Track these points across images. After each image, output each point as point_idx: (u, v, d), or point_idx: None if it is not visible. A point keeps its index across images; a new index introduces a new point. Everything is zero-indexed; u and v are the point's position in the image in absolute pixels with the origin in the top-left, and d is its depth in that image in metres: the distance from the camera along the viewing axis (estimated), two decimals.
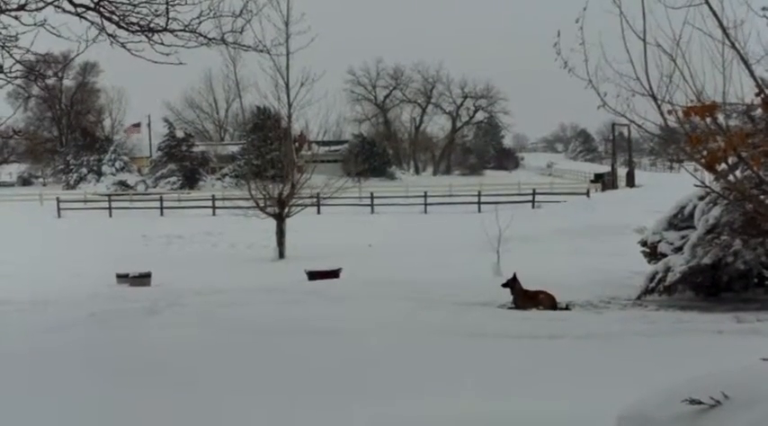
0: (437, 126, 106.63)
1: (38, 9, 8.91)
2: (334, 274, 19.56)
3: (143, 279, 20.65)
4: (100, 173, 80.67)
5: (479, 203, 49.10)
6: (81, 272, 23.32)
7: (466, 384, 7.54)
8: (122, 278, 20.74)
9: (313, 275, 19.53)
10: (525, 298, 13.50)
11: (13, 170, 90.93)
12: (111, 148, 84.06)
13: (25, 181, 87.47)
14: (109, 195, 61.17)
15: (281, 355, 9.12)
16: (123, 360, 9.02)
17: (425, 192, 52.23)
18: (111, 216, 51.06)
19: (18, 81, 10.74)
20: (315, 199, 35.96)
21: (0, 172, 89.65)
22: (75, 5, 9.15)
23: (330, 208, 41.83)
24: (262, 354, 9.16)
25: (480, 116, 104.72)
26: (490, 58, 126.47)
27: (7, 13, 8.86)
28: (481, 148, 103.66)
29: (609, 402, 4.64)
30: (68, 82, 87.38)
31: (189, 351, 9.48)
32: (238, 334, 10.36)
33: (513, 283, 13.80)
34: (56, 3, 9.03)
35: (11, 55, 9.11)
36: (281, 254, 29.47)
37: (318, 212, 42.09)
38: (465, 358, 8.86)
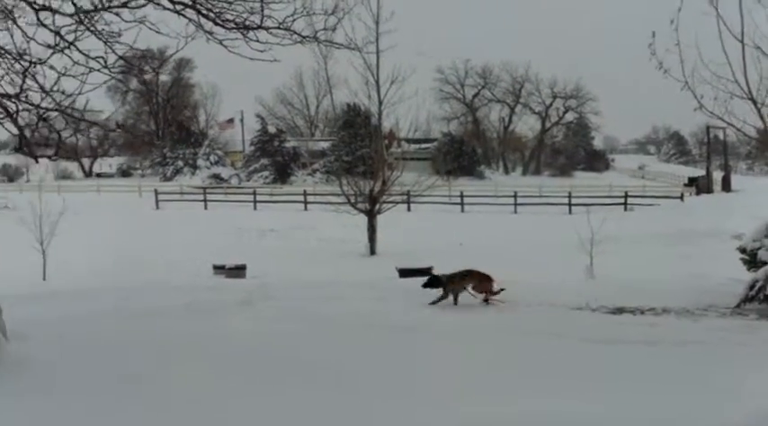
0: (526, 126, 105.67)
1: (139, 6, 9.27)
2: (425, 272, 19.67)
3: (238, 270, 21.19)
4: (195, 167, 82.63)
5: (570, 204, 48.61)
6: (178, 262, 24.04)
7: (568, 386, 7.56)
8: (219, 269, 21.33)
9: (404, 272, 19.70)
10: (454, 283, 13.02)
11: (113, 162, 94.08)
12: (206, 142, 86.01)
13: (124, 173, 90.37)
14: (204, 188, 62.63)
15: (379, 350, 9.30)
16: (220, 350, 9.28)
17: (515, 192, 51.89)
18: (206, 208, 52.33)
19: (118, 76, 11.14)
20: (405, 197, 36.17)
21: (101, 163, 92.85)
22: (174, 2, 9.50)
23: (420, 206, 41.99)
24: (359, 349, 9.35)
25: (570, 116, 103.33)
26: (580, 58, 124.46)
27: (110, 10, 9.23)
28: (571, 149, 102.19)
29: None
30: (164, 77, 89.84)
31: (286, 344, 9.67)
32: (331, 328, 10.60)
33: (436, 282, 13.19)
34: (155, 0, 9.39)
35: (113, 50, 9.47)
36: (372, 251, 29.76)
37: (408, 209, 42.28)
38: (568, 360, 8.86)
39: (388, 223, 31.04)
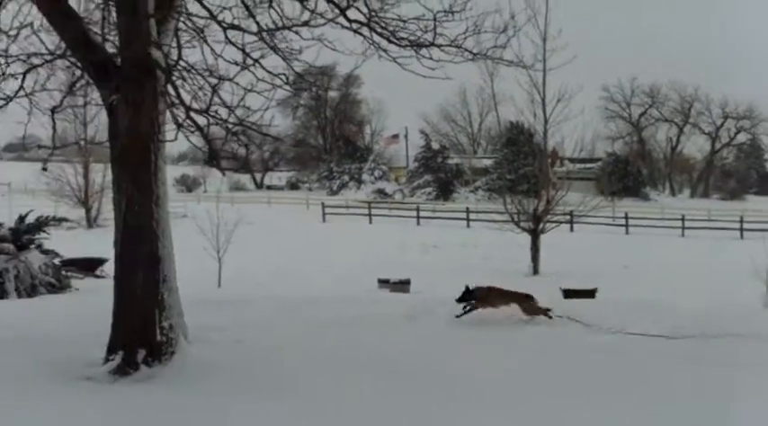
0: (695, 146, 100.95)
1: (318, 25, 9.67)
2: (590, 294, 19.30)
3: (403, 285, 21.42)
4: (360, 181, 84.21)
5: (741, 229, 46.42)
6: (344, 274, 24.59)
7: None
8: (383, 283, 21.64)
9: (568, 293, 19.37)
10: (493, 295, 12.68)
11: (282, 175, 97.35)
12: (371, 158, 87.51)
13: (293, 186, 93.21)
14: (369, 202, 63.76)
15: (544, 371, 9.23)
16: (389, 363, 9.42)
17: (683, 216, 49.99)
18: (370, 222, 53.29)
19: (300, 92, 11.59)
20: (568, 217, 35.59)
21: (271, 176, 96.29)
22: (351, 21, 9.88)
23: (583, 227, 41.19)
24: (527, 371, 9.30)
25: (742, 137, 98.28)
26: (752, 78, 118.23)
27: (292, 28, 9.64)
28: (742, 172, 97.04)
29: None
30: (332, 93, 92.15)
31: (451, 361, 9.74)
32: (494, 347, 10.55)
33: (471, 296, 12.69)
34: (335, 19, 9.76)
35: (291, 68, 9.87)
36: (536, 270, 29.48)
37: (571, 230, 41.59)
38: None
39: (550, 242, 30.64)
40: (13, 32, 9.39)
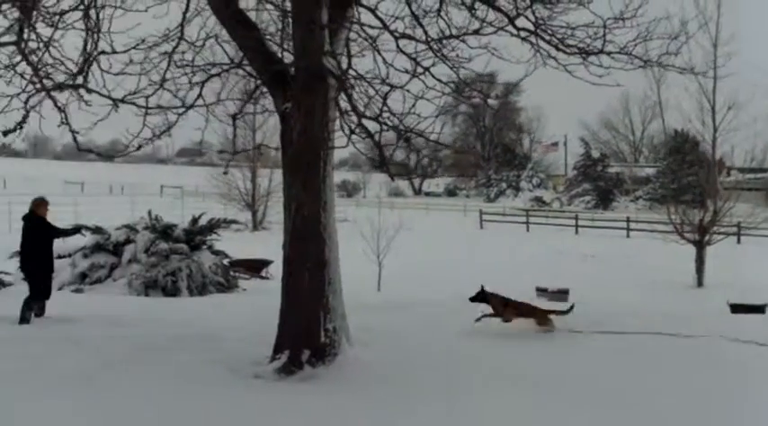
0: None
1: (487, 34, 9.70)
2: (759, 309, 18.44)
3: (561, 294, 21.07)
4: (518, 189, 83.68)
5: None
6: (501, 282, 24.39)
7: None
8: (542, 291, 21.37)
9: (736, 308, 18.57)
10: (507, 308, 12.43)
11: (440, 181, 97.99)
12: (529, 165, 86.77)
13: (450, 193, 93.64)
14: (526, 210, 63.21)
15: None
16: (543, 376, 9.27)
17: None
18: (528, 230, 52.79)
19: (449, 99, 11.67)
20: (736, 228, 34.04)
21: (429, 182, 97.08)
22: (519, 29, 9.85)
23: (752, 239, 39.23)
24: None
25: None
26: None
27: (460, 37, 9.71)
28: None
29: None
30: (492, 100, 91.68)
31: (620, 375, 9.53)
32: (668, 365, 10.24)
33: (483, 296, 12.58)
34: (504, 28, 9.76)
35: (458, 75, 9.91)
36: (700, 282, 28.39)
37: (738, 242, 39.74)
38: None
39: (716, 254, 29.38)
40: (199, 43, 9.91)
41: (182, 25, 9.79)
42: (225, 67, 10.40)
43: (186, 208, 37.79)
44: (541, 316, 12.64)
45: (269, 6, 10.64)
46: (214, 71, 10.31)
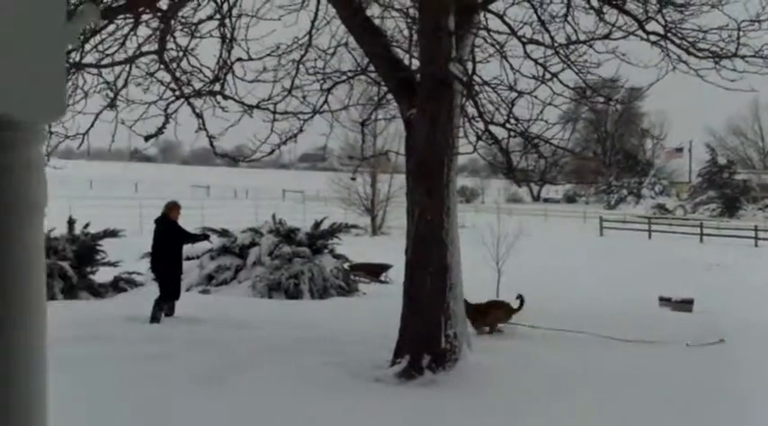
0: None
1: (616, 39, 9.52)
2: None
3: (685, 304, 20.46)
4: (639, 196, 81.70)
5: None
6: (622, 290, 23.88)
7: None
8: (665, 301, 20.80)
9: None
10: (477, 315, 12.41)
11: (559, 188, 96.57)
12: (652, 172, 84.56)
13: (569, 199, 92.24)
14: (648, 218, 61.58)
15: None
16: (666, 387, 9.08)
17: None
18: (650, 238, 51.42)
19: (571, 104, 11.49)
20: None
21: (548, 189, 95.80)
22: (648, 33, 9.62)
23: None
24: None
25: None
26: None
27: (588, 42, 9.57)
28: None
29: None
30: (615, 105, 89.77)
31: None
32: None
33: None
34: (634, 32, 9.56)
35: (584, 81, 9.77)
36: None
37: None
38: None
39: None
40: (330, 51, 10.11)
41: (310, 33, 10.00)
42: (351, 74, 10.56)
43: (307, 212, 38.46)
44: (504, 315, 12.83)
45: (395, 14, 10.75)
46: (340, 78, 10.47)
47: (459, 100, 9.14)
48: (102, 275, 18.00)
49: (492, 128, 8.40)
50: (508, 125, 8.32)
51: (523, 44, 8.28)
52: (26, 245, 2.30)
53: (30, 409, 2.34)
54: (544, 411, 7.70)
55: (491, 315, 12.93)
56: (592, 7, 9.47)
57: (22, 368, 2.31)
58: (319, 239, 19.98)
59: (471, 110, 8.76)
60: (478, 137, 8.46)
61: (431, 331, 9.25)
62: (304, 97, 10.25)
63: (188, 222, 14.48)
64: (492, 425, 7.44)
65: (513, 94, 8.42)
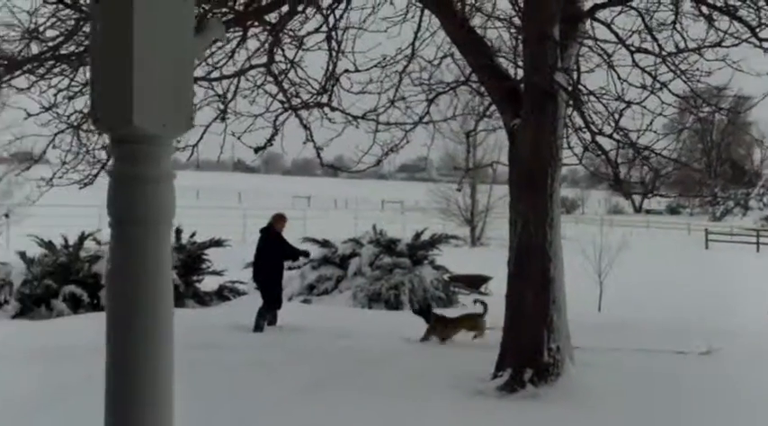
0: None
1: (730, 46, 9.24)
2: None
3: None
4: (746, 207, 79.06)
5: None
6: (728, 305, 23.14)
7: None
8: None
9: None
10: (444, 325, 12.84)
11: (661, 199, 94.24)
12: (760, 183, 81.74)
13: (673, 210, 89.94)
14: (757, 230, 59.47)
15: None
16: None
17: None
18: (758, 251, 49.72)
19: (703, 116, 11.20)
20: None
21: (650, 200, 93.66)
22: (761, 40, 9.30)
23: None
24: None
25: None
26: None
27: (698, 50, 9.33)
28: None
29: None
30: (723, 115, 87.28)
31: None
32: None
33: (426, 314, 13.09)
34: (747, 40, 9.26)
35: (692, 89, 9.53)
36: None
37: None
38: None
39: None
40: (435, 62, 10.17)
41: (413, 44, 10.06)
42: (454, 85, 10.57)
43: (406, 223, 38.56)
44: (473, 324, 12.87)
45: (498, 23, 10.73)
46: (444, 88, 10.50)
47: (564, 110, 9.04)
48: (208, 284, 18.43)
49: (599, 138, 8.26)
50: (616, 136, 8.17)
51: (631, 53, 8.12)
52: (155, 255, 2.40)
53: (157, 412, 2.43)
54: None
55: (459, 326, 13.07)
56: (702, 14, 9.21)
57: (152, 371, 2.40)
58: (419, 250, 20.01)
59: (577, 120, 8.64)
60: (585, 148, 8.33)
61: (533, 344, 9.13)
62: (407, 108, 10.31)
63: (290, 232, 14.70)
64: None
65: (619, 104, 8.26)
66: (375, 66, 9.81)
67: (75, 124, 10.12)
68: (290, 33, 9.70)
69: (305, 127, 9.92)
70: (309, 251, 15.85)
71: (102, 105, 2.39)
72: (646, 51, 8.24)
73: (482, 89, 10.71)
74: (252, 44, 9.91)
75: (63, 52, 9.14)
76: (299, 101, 9.95)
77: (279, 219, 14.01)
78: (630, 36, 8.43)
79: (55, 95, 9.68)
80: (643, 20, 8.54)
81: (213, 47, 9.42)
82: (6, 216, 28.91)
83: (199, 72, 9.77)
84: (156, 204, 2.38)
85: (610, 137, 8.26)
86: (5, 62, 8.87)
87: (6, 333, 12.79)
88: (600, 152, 8.28)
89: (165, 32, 2.34)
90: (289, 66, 9.76)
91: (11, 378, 9.13)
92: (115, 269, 2.41)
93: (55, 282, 15.99)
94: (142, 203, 2.36)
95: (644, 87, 8.09)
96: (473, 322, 12.95)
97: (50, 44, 9.12)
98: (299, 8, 9.57)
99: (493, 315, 12.17)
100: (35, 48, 9.23)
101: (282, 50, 9.79)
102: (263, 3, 9.32)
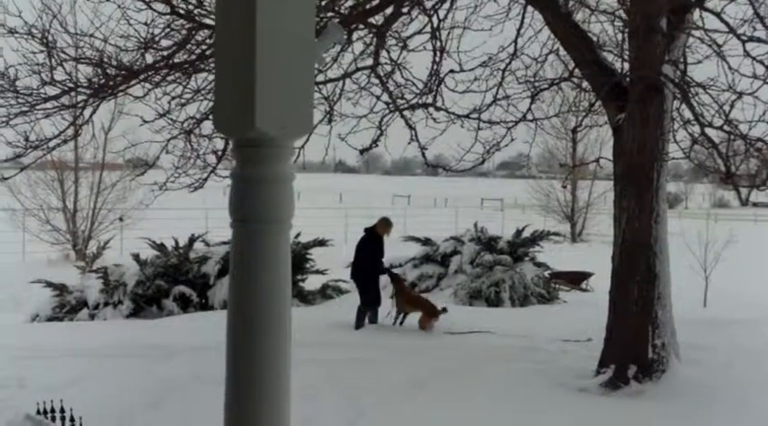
0: None
1: None
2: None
3: None
4: None
5: None
6: None
7: None
8: None
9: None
10: (408, 301, 13.90)
11: None
12: None
13: None
14: None
15: None
16: None
17: None
18: None
19: None
20: None
21: (757, 192, 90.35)
22: None
23: None
24: None
25: None
26: None
27: None
28: None
29: None
30: None
31: None
32: None
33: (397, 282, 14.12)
34: None
35: None
36: None
37: None
38: None
39: None
40: (541, 59, 10.11)
41: (515, 42, 10.03)
42: (557, 81, 10.48)
43: (506, 220, 38.32)
44: (429, 310, 13.53)
45: (602, 17, 10.58)
46: (546, 85, 10.42)
47: (671, 103, 8.87)
48: (311, 283, 18.73)
49: (708, 131, 8.07)
50: (726, 127, 7.97)
51: (743, 42, 7.88)
52: (276, 253, 2.50)
53: (276, 407, 2.53)
54: None
55: (414, 306, 13.81)
56: None
57: (271, 366, 2.50)
58: (520, 247, 19.92)
59: (684, 113, 8.46)
60: (694, 141, 8.15)
61: (637, 340, 9.03)
62: (509, 105, 10.27)
63: (392, 231, 14.80)
64: None
65: (730, 96, 8.03)
66: (481, 65, 9.81)
67: (188, 129, 10.45)
68: (395, 35, 9.80)
69: (410, 127, 9.99)
70: (399, 273, 16.19)
71: (224, 110, 2.49)
72: (758, 40, 7.98)
73: (585, 84, 10.58)
74: (357, 47, 10.06)
75: (176, 61, 9.45)
76: (403, 101, 10.04)
77: (384, 224, 14.16)
78: (742, 25, 8.19)
79: (169, 102, 10.05)
80: (754, 7, 8.28)
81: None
82: (121, 219, 30.00)
83: None
84: (276, 204, 2.47)
85: (720, 128, 8.06)
86: (123, 72, 9.22)
87: (122, 332, 13.30)
88: (710, 145, 8.08)
89: (288, 36, 2.42)
90: (394, 67, 9.86)
91: (126, 375, 9.50)
92: (237, 266, 2.51)
93: (166, 283, 16.58)
94: (263, 204, 2.46)
95: (756, 77, 7.84)
96: (434, 310, 13.58)
97: (164, 53, 9.45)
98: (404, 9, 9.66)
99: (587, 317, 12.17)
100: (149, 58, 9.56)
101: (387, 52, 9.89)
102: (368, 6, 9.43)
